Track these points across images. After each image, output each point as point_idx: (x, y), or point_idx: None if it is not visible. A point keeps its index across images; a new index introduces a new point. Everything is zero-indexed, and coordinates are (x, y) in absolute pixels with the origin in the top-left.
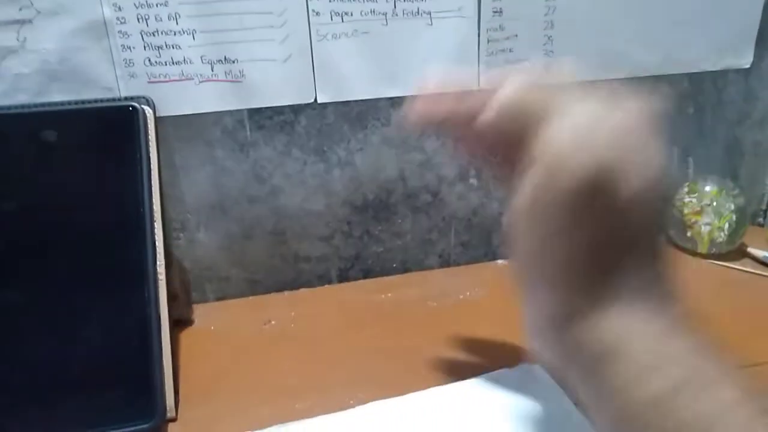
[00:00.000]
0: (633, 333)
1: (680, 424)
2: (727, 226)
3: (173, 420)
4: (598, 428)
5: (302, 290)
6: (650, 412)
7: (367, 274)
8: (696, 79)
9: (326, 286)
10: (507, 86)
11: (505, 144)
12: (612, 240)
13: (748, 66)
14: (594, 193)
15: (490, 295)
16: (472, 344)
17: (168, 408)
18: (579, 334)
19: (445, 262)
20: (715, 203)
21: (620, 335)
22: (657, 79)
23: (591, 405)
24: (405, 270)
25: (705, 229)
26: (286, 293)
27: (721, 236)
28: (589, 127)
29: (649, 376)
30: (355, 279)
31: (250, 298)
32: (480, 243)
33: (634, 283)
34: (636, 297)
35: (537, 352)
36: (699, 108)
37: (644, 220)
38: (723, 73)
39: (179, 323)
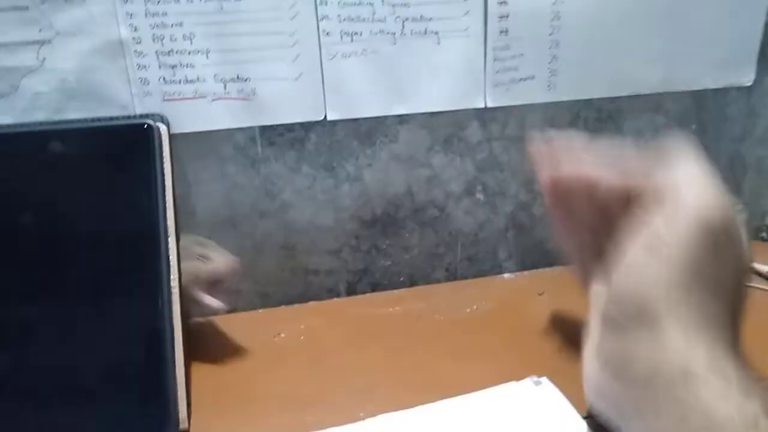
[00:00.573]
0: (714, 356)
1: None
2: None
3: (186, 431)
4: None
5: (311, 303)
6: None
7: (374, 287)
8: (698, 96)
9: (335, 299)
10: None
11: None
12: (716, 271)
13: (750, 83)
14: (713, 230)
15: (497, 309)
16: (479, 357)
17: (181, 419)
18: (661, 347)
19: (452, 276)
20: None
21: (703, 355)
22: (660, 97)
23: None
24: (412, 283)
25: None
26: (296, 306)
27: None
28: (702, 174)
29: (733, 398)
30: (363, 292)
31: (261, 310)
32: (486, 257)
33: (717, 317)
34: (715, 327)
35: (596, 403)
36: (701, 125)
37: (739, 266)
38: (725, 91)
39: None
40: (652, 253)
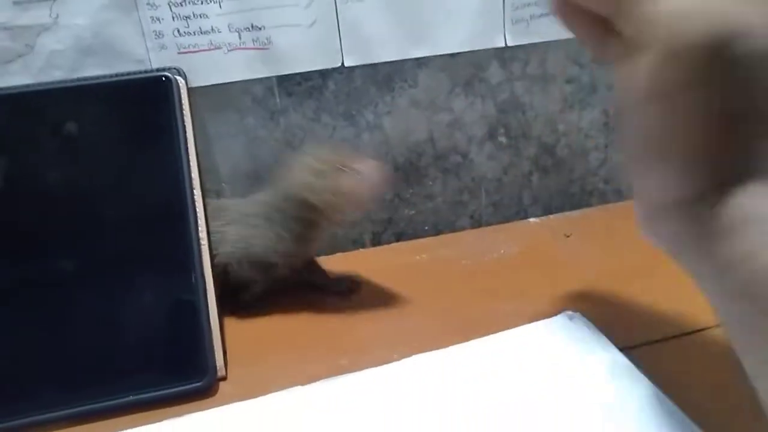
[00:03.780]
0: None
1: None
2: None
3: (224, 378)
4: (718, 305)
5: (338, 255)
6: None
7: (399, 237)
8: None
9: (360, 250)
10: None
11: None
12: (749, 108)
13: None
14: (724, 55)
15: (524, 252)
16: (509, 298)
17: (218, 367)
18: (710, 212)
19: (477, 223)
20: None
21: (756, 208)
22: None
23: (712, 280)
24: (437, 232)
25: None
26: (322, 258)
27: None
28: None
29: None
30: (388, 242)
31: None
32: (511, 202)
33: None
34: None
35: (650, 237)
36: None
37: None
38: None
39: None
40: (663, 115)
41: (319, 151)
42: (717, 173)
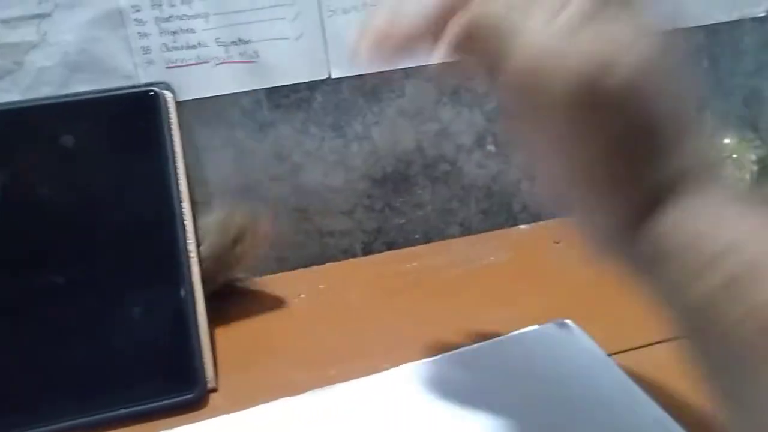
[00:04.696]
0: (697, 218)
1: (754, 304)
2: (749, 177)
3: (214, 390)
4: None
5: (329, 264)
6: (725, 295)
7: (390, 246)
8: (711, 30)
9: (351, 259)
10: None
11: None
12: (631, 134)
13: (764, 14)
14: (583, 93)
15: (514, 259)
16: (500, 305)
17: (208, 379)
18: (638, 238)
19: (467, 231)
20: (735, 155)
21: (684, 225)
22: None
23: (665, 301)
24: (427, 240)
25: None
26: (313, 268)
27: (744, 188)
28: (561, 26)
29: (724, 258)
30: (379, 251)
31: (279, 274)
32: (500, 209)
33: (679, 170)
34: (687, 184)
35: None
36: (714, 60)
37: (654, 104)
38: (739, 23)
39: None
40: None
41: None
42: (634, 197)
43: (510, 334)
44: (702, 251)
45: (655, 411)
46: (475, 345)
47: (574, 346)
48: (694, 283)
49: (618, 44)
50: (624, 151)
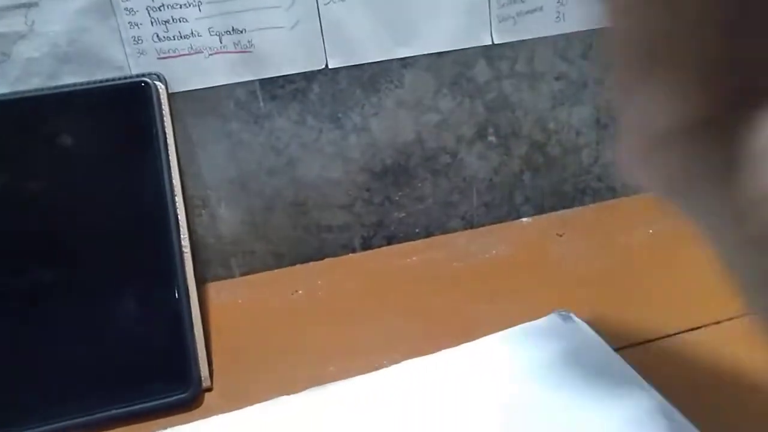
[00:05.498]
0: None
1: None
2: None
3: (209, 389)
4: (728, 258)
5: (327, 260)
6: None
7: (390, 240)
8: None
9: (350, 255)
10: None
11: None
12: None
13: None
14: None
15: (517, 252)
16: (502, 299)
17: (203, 378)
18: (724, 141)
19: (468, 224)
20: None
21: None
22: None
23: (724, 227)
24: (428, 234)
25: None
26: (311, 264)
27: None
28: None
29: None
30: (379, 246)
31: (276, 270)
32: (503, 202)
33: None
34: None
35: (641, 178)
36: None
37: None
38: None
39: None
40: None
41: None
42: (735, 88)
43: (513, 327)
44: None
45: (661, 404)
46: (478, 340)
47: (578, 338)
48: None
49: None
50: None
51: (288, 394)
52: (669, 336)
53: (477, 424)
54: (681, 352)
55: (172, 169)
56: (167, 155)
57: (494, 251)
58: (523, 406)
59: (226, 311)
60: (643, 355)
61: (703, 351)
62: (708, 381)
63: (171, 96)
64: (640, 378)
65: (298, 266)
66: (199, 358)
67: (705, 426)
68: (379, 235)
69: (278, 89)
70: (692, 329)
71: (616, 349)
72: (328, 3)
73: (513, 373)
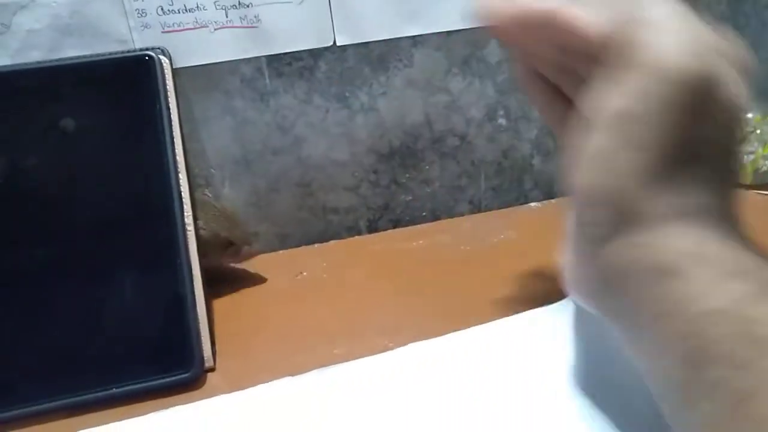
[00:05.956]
0: (702, 245)
1: (748, 335)
2: None
3: (212, 370)
4: (644, 359)
5: (332, 242)
6: (719, 322)
7: (396, 223)
8: (734, 1)
9: (356, 237)
10: None
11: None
12: (699, 144)
13: None
14: (706, 91)
15: (525, 238)
16: (509, 284)
17: (206, 358)
18: (639, 247)
19: (476, 208)
20: (758, 131)
21: (687, 247)
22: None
23: (642, 330)
24: (435, 218)
25: (748, 159)
26: (317, 246)
27: (766, 165)
28: (690, 32)
29: (721, 285)
30: (385, 229)
31: (281, 252)
32: (511, 186)
33: (706, 199)
34: (705, 213)
35: (572, 280)
36: (738, 30)
37: (728, 134)
38: None
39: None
40: (621, 135)
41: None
42: (654, 199)
43: (522, 312)
44: (704, 275)
45: None
46: (486, 324)
47: (587, 325)
48: (684, 308)
49: (729, 70)
50: (685, 154)
51: (292, 375)
52: None
53: (483, 408)
54: None
55: (175, 145)
56: (171, 131)
57: (502, 235)
58: (533, 390)
59: (231, 291)
60: None
61: None
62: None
63: (175, 71)
64: None
65: (302, 248)
66: (202, 339)
67: None
68: (385, 218)
69: (285, 66)
70: None
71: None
72: None
73: (522, 357)
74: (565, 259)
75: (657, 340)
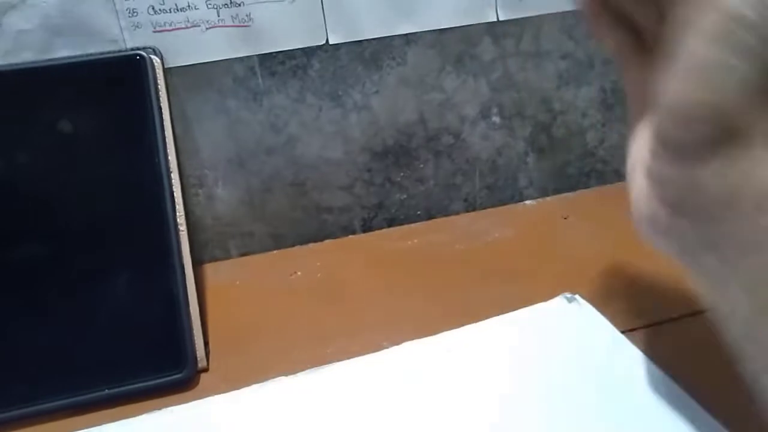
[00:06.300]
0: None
1: None
2: None
3: (205, 370)
4: (722, 301)
5: (326, 242)
6: None
7: (391, 222)
8: None
9: (350, 236)
10: None
11: None
12: None
13: None
14: None
15: (520, 235)
16: (505, 281)
17: (199, 358)
18: (741, 171)
19: (471, 207)
20: None
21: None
22: None
23: (731, 265)
24: (429, 217)
25: None
26: (311, 245)
27: None
28: None
29: None
30: (379, 228)
31: (275, 252)
32: (506, 185)
33: None
34: None
35: (646, 216)
36: None
37: None
38: None
39: None
40: (728, 45)
41: None
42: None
43: (517, 310)
44: None
45: (670, 387)
46: (481, 322)
47: (585, 321)
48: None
49: None
50: None
51: (286, 375)
52: (676, 319)
53: (478, 407)
54: (688, 334)
55: (168, 145)
56: (163, 131)
57: (497, 234)
58: (527, 389)
59: (224, 292)
60: (650, 338)
61: (710, 334)
62: (715, 364)
63: (167, 71)
64: (648, 360)
65: (297, 248)
66: (195, 339)
67: (714, 408)
68: (380, 216)
69: (278, 65)
70: (699, 312)
71: (623, 332)
72: None
73: (517, 355)
74: (636, 193)
75: (751, 276)
